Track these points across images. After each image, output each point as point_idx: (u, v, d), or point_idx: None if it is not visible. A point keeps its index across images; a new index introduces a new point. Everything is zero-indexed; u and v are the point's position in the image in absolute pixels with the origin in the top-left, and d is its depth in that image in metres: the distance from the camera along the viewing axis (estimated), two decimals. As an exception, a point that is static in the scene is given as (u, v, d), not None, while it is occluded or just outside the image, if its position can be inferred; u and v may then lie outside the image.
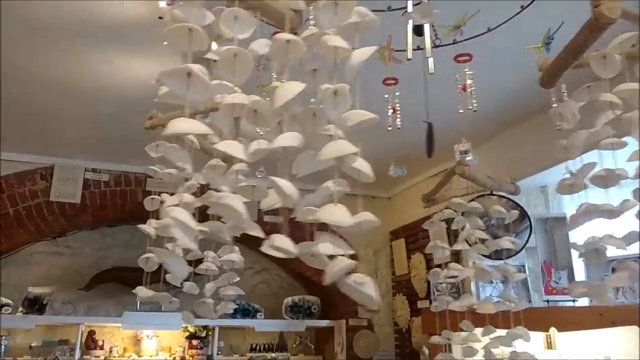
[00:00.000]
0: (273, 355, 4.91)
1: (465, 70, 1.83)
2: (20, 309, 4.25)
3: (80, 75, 2.97)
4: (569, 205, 3.74)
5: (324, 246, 0.81)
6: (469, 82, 1.80)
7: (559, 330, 3.09)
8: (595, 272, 3.28)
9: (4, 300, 4.25)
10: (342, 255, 0.80)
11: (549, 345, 3.41)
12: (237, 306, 4.77)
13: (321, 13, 0.85)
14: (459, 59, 1.81)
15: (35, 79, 3.00)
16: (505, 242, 1.75)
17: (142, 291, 1.58)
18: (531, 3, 1.86)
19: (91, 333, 4.56)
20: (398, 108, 1.91)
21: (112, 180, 4.41)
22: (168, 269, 0.99)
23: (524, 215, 3.55)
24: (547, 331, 3.12)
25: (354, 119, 0.85)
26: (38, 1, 2.30)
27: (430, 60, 1.73)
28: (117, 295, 4.81)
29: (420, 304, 4.43)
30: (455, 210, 2.04)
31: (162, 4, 2.29)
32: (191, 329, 4.81)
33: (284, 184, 0.84)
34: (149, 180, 4.52)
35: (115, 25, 2.50)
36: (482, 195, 3.68)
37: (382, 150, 4.26)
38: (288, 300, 5.05)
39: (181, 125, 0.87)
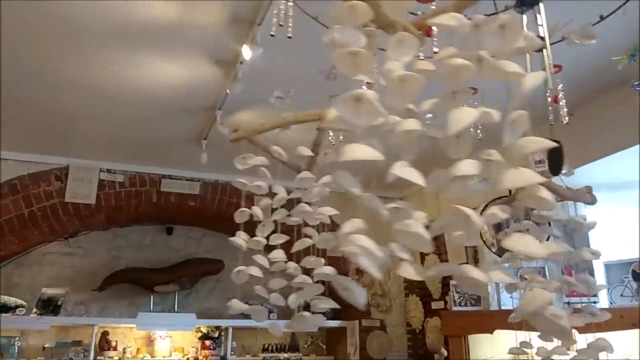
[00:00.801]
0: (285, 355, 4.91)
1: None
2: (35, 310, 4.24)
3: (101, 75, 2.95)
4: (579, 205, 3.75)
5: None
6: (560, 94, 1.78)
7: (580, 332, 3.09)
8: (615, 274, 3.30)
9: (19, 301, 4.23)
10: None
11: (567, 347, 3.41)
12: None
13: (489, 37, 0.82)
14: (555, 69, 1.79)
15: (53, 79, 2.99)
16: (587, 253, 1.73)
17: (235, 304, 1.56)
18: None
19: (104, 334, 4.56)
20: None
21: (127, 181, 4.39)
22: (348, 296, 0.95)
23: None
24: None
25: (531, 146, 0.82)
26: (65, 1, 2.29)
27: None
28: (129, 296, 4.80)
29: (435, 305, 4.43)
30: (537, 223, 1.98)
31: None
32: (204, 330, 4.81)
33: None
34: (164, 181, 4.52)
35: (142, 28, 2.49)
36: (500, 198, 3.70)
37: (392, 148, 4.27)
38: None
39: (356, 151, 0.85)
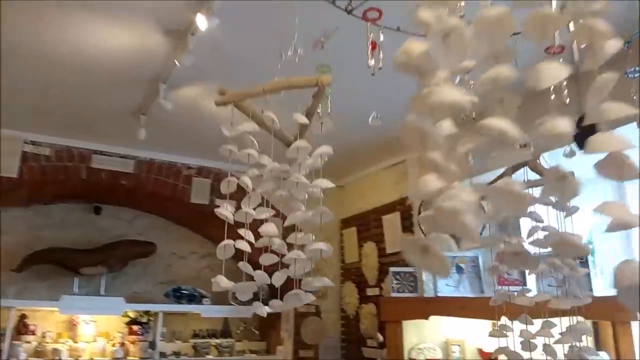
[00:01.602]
0: (217, 341, 4.81)
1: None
2: (-58, 290, 3.87)
3: (31, 36, 2.70)
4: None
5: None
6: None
7: (510, 317, 3.26)
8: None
9: None
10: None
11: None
12: (186, 292, 4.64)
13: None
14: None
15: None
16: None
17: (222, 281, 1.45)
18: None
19: (22, 317, 4.24)
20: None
21: (54, 155, 4.09)
22: (429, 268, 0.79)
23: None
24: (499, 320, 3.28)
25: (614, 112, 0.73)
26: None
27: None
28: (51, 278, 4.50)
29: (370, 292, 4.51)
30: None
31: None
32: (132, 315, 4.61)
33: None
34: (95, 157, 4.26)
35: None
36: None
37: (336, 138, 4.28)
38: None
39: (446, 94, 0.72)
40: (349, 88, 3.21)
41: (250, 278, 1.45)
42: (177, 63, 2.67)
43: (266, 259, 1.49)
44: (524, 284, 3.46)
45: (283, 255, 1.45)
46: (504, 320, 1.82)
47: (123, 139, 4.20)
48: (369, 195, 4.80)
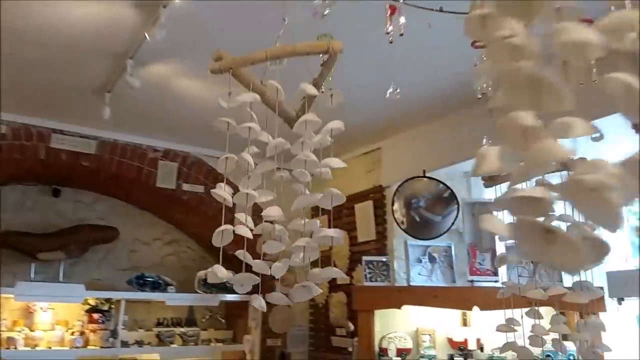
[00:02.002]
0: (183, 329, 4.67)
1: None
2: None
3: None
4: (489, 190, 3.96)
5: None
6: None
7: (481, 308, 3.27)
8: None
9: None
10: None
11: (464, 323, 3.60)
12: (152, 279, 4.49)
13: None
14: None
15: None
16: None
17: (220, 271, 1.30)
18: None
19: (-27, 305, 3.99)
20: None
21: (10, 133, 3.84)
22: (558, 261, 0.65)
23: (452, 198, 3.68)
24: (471, 309, 3.29)
25: None
26: None
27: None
28: (6, 263, 4.25)
29: (340, 280, 4.45)
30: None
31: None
32: (92, 302, 4.42)
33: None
34: (55, 136, 4.02)
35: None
36: (414, 178, 3.78)
37: None
38: (201, 273, 4.81)
39: (576, 32, 0.62)
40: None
41: (249, 269, 1.31)
42: (147, 37, 2.51)
43: (271, 247, 1.34)
44: (496, 274, 3.47)
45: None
46: (511, 313, 1.78)
47: (85, 118, 3.98)
48: (341, 183, 4.71)
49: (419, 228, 3.69)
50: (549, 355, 3.25)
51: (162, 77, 3.26)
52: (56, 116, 3.95)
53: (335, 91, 1.21)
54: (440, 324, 3.58)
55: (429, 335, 3.52)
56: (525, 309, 3.34)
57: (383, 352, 3.39)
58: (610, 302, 3.18)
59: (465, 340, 3.47)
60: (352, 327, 3.55)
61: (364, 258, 3.63)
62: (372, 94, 3.34)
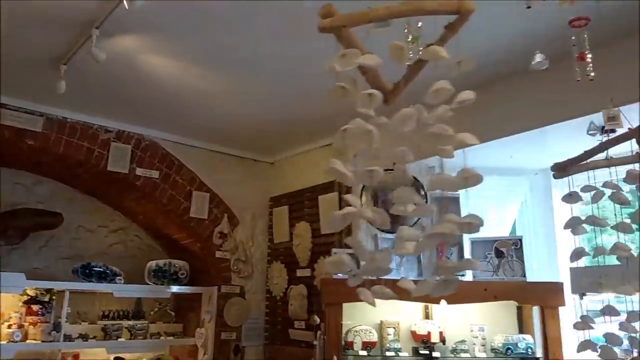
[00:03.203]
0: (130, 323, 4.41)
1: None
2: None
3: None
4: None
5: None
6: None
7: (449, 302, 3.30)
8: (479, 250, 3.59)
9: None
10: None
11: (427, 316, 3.63)
12: (99, 269, 4.21)
13: None
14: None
15: None
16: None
17: (346, 258, 1.09)
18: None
19: None
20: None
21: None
22: None
23: (419, 192, 3.69)
24: (439, 303, 3.31)
25: None
26: None
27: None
28: None
29: (300, 273, 4.38)
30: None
31: None
32: (31, 293, 4.07)
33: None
34: (4, 112, 3.66)
35: None
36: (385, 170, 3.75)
37: (272, 116, 4.08)
38: (152, 264, 4.58)
39: None
40: (295, 56, 3.02)
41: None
42: (125, 4, 2.30)
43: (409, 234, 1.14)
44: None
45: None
46: (585, 309, 1.76)
47: (32, 92, 3.64)
48: (303, 174, 4.64)
49: (385, 221, 3.67)
50: (509, 348, 3.35)
51: (128, 52, 3.03)
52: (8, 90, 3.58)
53: (465, 57, 1.06)
54: (403, 317, 3.59)
55: (394, 328, 3.51)
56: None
57: (348, 345, 3.35)
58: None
59: (429, 333, 3.49)
60: (317, 320, 3.48)
61: (334, 250, 3.56)
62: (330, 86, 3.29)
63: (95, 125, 4.13)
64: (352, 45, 1.13)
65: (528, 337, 3.37)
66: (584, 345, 1.78)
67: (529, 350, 3.32)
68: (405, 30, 1.55)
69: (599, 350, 1.79)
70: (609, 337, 1.82)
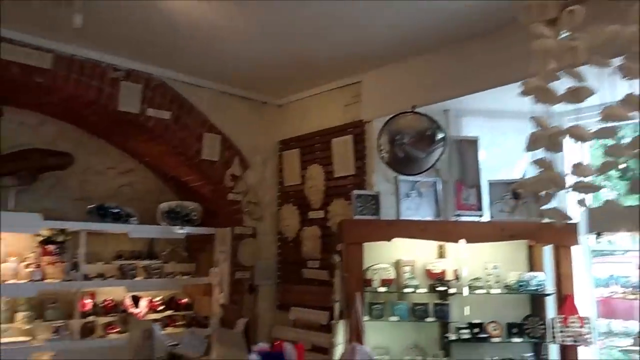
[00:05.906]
0: (146, 262, 4.47)
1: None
2: None
3: None
4: (466, 127, 4.05)
5: None
6: None
7: (468, 241, 3.41)
8: (497, 192, 3.66)
9: None
10: None
11: (441, 255, 3.74)
12: (113, 210, 4.21)
13: None
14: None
15: None
16: None
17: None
18: None
19: None
20: None
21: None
22: None
23: (438, 135, 3.70)
24: (457, 242, 3.41)
25: None
26: None
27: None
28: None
29: (313, 214, 4.44)
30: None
31: None
32: (47, 233, 4.07)
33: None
34: (4, 45, 3.51)
35: None
36: (403, 113, 3.75)
37: (281, 56, 3.98)
38: (164, 205, 4.58)
39: None
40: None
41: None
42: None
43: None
44: (480, 209, 3.60)
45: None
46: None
47: (41, 26, 3.48)
48: (314, 116, 4.60)
49: (402, 164, 3.70)
50: (522, 284, 3.49)
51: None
52: (6, 21, 3.41)
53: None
54: (418, 256, 3.69)
55: (410, 266, 3.62)
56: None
57: (367, 283, 3.46)
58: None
59: (443, 271, 3.62)
60: (337, 259, 3.56)
61: (355, 192, 3.60)
62: (347, 25, 3.19)
63: (103, 64, 4.00)
64: None
65: (540, 274, 3.51)
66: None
67: (541, 286, 3.47)
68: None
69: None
70: None
